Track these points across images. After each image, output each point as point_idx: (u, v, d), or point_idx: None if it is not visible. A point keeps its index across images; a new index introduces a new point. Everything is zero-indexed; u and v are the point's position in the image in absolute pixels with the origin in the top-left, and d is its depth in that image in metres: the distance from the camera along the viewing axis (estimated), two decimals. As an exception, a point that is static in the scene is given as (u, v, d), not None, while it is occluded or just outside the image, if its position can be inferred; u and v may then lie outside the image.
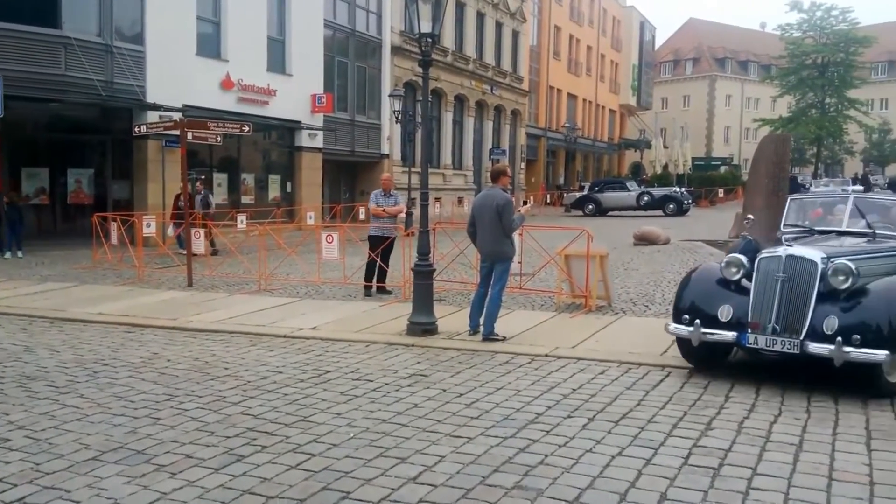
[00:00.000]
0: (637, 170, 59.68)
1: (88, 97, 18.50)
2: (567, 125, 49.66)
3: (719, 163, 65.81)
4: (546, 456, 4.63)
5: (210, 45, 21.83)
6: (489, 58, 38.93)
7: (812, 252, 6.38)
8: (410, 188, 24.63)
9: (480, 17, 37.95)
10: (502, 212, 8.09)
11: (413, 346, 7.99)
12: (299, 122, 24.84)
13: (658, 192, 36.35)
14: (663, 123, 65.99)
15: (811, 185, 28.97)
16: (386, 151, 30.19)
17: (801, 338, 6.01)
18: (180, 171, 13.50)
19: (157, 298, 11.32)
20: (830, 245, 7.02)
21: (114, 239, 15.19)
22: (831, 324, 5.92)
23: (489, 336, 8.10)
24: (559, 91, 50.56)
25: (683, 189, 38.23)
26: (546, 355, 7.43)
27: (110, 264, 14.96)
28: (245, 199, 23.91)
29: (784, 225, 8.15)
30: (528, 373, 6.79)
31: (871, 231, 7.44)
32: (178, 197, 17.26)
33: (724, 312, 6.41)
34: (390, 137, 30.12)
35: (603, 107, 59.32)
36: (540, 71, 47.47)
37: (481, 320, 8.27)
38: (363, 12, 29.16)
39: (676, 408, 5.62)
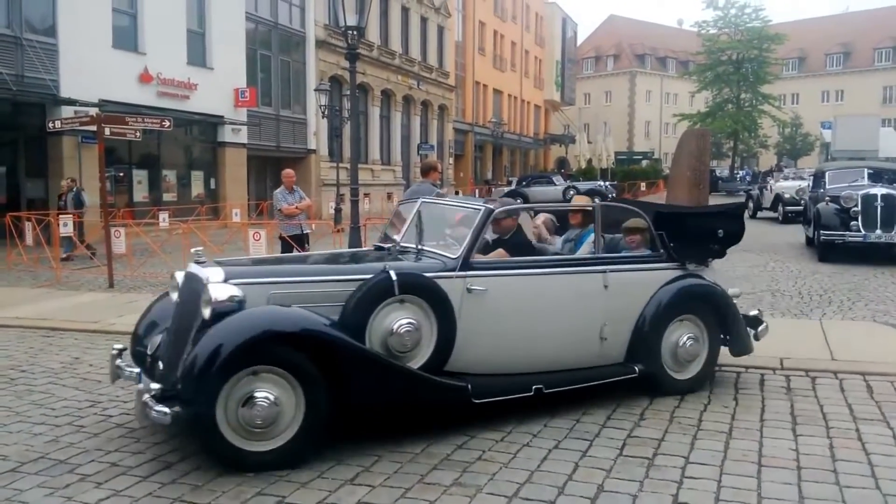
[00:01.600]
0: (562, 164, 60.61)
1: (-2, 92, 17.70)
2: (493, 120, 50.04)
3: (641, 157, 67.53)
4: (484, 451, 4.62)
5: (127, 37, 21.13)
6: (415, 53, 38.87)
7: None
8: (339, 184, 24.40)
9: (405, 11, 37.84)
10: None
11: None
12: (222, 116, 24.30)
13: (583, 186, 36.97)
14: (587, 119, 67.32)
15: (772, 179, 30.05)
16: (313, 147, 29.83)
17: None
18: (98, 168, 13.01)
19: (77, 301, 10.88)
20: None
21: (29, 239, 14.56)
22: None
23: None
24: (485, 86, 50.89)
25: (608, 183, 38.98)
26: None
27: (26, 266, 14.32)
28: (167, 197, 23.27)
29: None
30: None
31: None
32: (60, 196, 16.64)
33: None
34: (317, 132, 29.77)
35: (528, 102, 60.00)
36: (466, 66, 47.67)
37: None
38: (286, 5, 28.70)
39: (609, 400, 5.69)
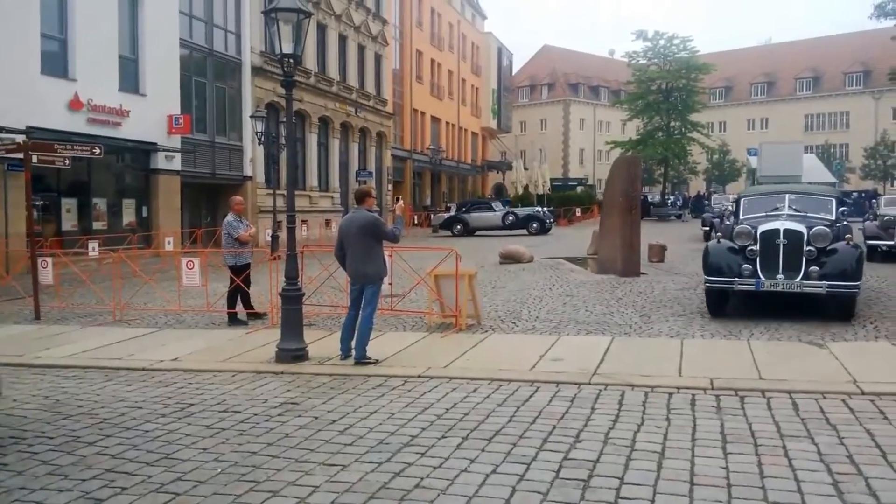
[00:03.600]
0: (500, 191, 61.23)
1: (-84, 117, 17.04)
2: (431, 147, 50.34)
3: (576, 183, 68.72)
4: (422, 479, 4.61)
5: (56, 63, 20.62)
6: (353, 80, 38.94)
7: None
8: (276, 211, 24.14)
9: (343, 39, 37.93)
10: (376, 230, 8.10)
11: (282, 373, 7.79)
12: (155, 143, 23.84)
13: (522, 211, 37.42)
14: (523, 146, 68.31)
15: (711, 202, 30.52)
16: (249, 174, 29.48)
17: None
18: (25, 197, 12.61)
19: (2, 333, 10.48)
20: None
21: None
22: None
23: (361, 359, 8.02)
24: (423, 114, 51.23)
25: (546, 209, 39.54)
26: (419, 376, 7.44)
27: (-56, 298, 13.76)
28: (97, 225, 22.62)
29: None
30: (402, 395, 6.76)
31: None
32: None
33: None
34: (253, 159, 29.45)
35: (465, 129, 60.59)
36: (403, 94, 47.94)
37: (353, 344, 8.18)
38: (221, 32, 28.46)
39: (546, 422, 5.75)
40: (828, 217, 11.04)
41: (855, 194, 44.19)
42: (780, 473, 4.59)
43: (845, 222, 11.21)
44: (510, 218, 36.11)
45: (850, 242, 10.05)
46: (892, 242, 17.61)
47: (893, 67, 38.46)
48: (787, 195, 11.71)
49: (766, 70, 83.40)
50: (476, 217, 36.81)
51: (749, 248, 10.12)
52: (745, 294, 10.34)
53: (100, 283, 13.99)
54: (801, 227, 10.03)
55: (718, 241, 10.68)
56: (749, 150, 46.08)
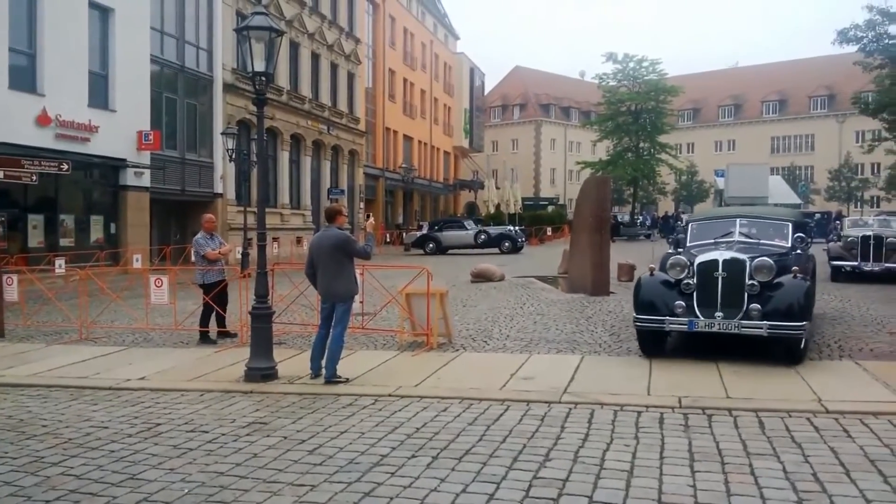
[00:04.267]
0: (472, 209, 61.45)
1: None
2: (404, 166, 50.43)
3: (547, 203, 69.29)
4: (391, 499, 4.60)
5: (24, 78, 20.41)
6: (325, 98, 38.96)
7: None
8: (247, 228, 24.01)
9: (315, 57, 37.98)
10: (348, 247, 8.09)
11: (252, 392, 7.72)
12: (124, 160, 23.62)
13: (494, 230, 37.58)
14: (494, 165, 68.72)
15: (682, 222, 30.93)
16: (219, 191, 29.29)
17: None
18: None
19: (-39, 352, 10.28)
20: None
21: None
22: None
23: (331, 378, 7.98)
24: (395, 132, 51.36)
25: (517, 228, 39.73)
26: (389, 395, 7.41)
27: None
28: (64, 242, 22.32)
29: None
30: (373, 414, 6.74)
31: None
32: None
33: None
34: (224, 176, 29.29)
35: (438, 148, 60.84)
36: (376, 112, 48.06)
37: (323, 363, 8.14)
38: (193, 48, 28.36)
39: (516, 441, 5.76)
40: (782, 244, 9.97)
41: (818, 215, 45.04)
42: (747, 491, 4.65)
43: (799, 250, 10.04)
44: (482, 237, 36.23)
45: (798, 275, 8.59)
46: (855, 263, 17.95)
47: (856, 92, 39.36)
48: (738, 220, 10.56)
49: (734, 93, 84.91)
50: (449, 235, 36.89)
51: (685, 281, 8.77)
52: (685, 334, 9.13)
53: (66, 300, 13.79)
54: (744, 258, 8.66)
55: (652, 274, 9.23)
56: (717, 171, 46.77)
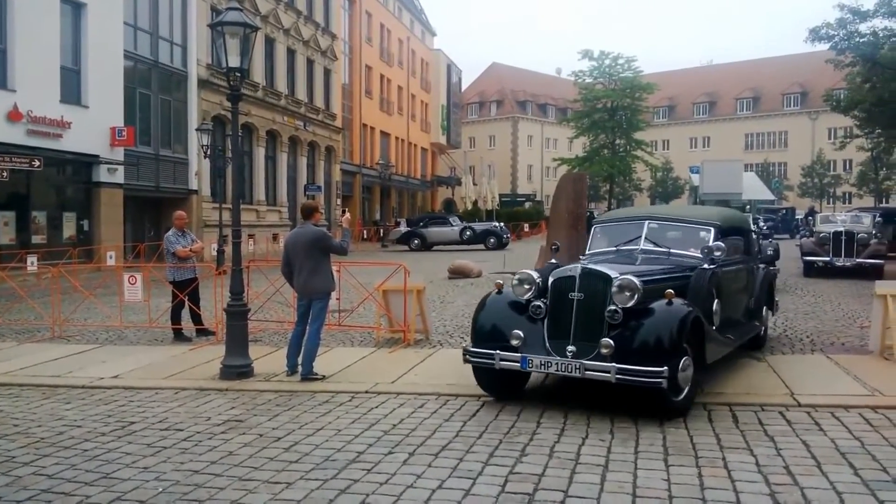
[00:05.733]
0: (449, 206, 61.45)
1: None
2: (381, 162, 50.30)
3: (524, 199, 69.43)
4: (368, 495, 4.59)
5: (-6, 73, 20.10)
6: (301, 94, 38.75)
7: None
8: (222, 225, 23.83)
9: (291, 53, 37.75)
10: (324, 243, 8.06)
11: (227, 390, 7.68)
12: (97, 156, 23.34)
13: (479, 226, 37.52)
14: (472, 161, 68.72)
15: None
16: (194, 187, 29.04)
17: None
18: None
19: (-70, 351, 10.12)
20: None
21: None
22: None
23: (308, 375, 7.95)
24: (372, 129, 51.20)
25: (502, 224, 39.68)
26: (366, 392, 7.40)
27: None
28: (36, 239, 22.03)
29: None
30: (349, 411, 6.72)
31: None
32: None
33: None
34: (199, 173, 29.03)
35: (415, 145, 60.74)
36: (353, 109, 47.88)
37: (299, 360, 8.11)
38: (167, 44, 28.06)
39: (493, 436, 5.78)
40: (694, 255, 7.90)
41: (783, 211, 45.72)
42: (720, 485, 4.69)
43: (712, 264, 7.59)
44: (468, 233, 36.14)
45: (676, 300, 6.37)
46: (827, 258, 18.19)
47: (828, 89, 39.84)
48: (646, 222, 8.45)
49: (708, 90, 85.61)
50: (434, 232, 36.85)
51: (534, 303, 6.80)
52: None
53: (38, 298, 13.61)
54: (613, 273, 6.52)
55: (499, 292, 7.23)
56: (691, 167, 47.14)
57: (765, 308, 9.29)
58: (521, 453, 5.35)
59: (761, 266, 9.68)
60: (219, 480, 4.91)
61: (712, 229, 8.18)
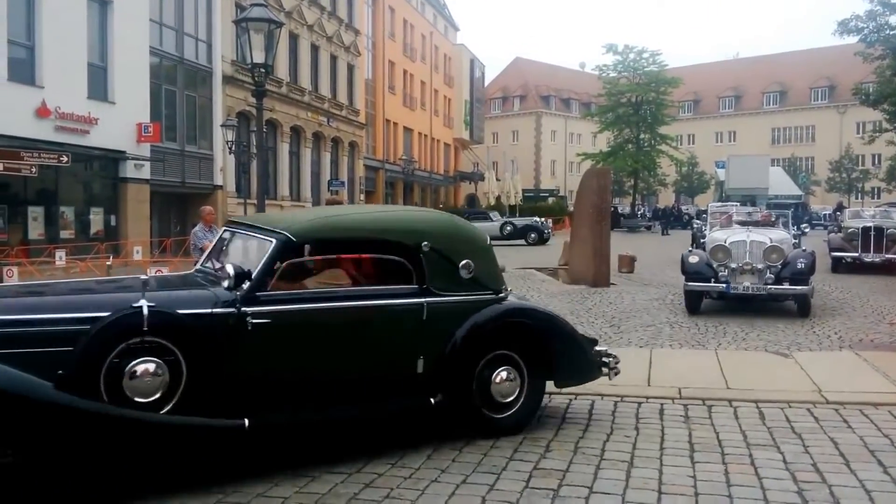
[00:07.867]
0: (472, 201, 61.41)
1: None
2: (404, 157, 50.39)
3: (547, 194, 69.18)
4: (392, 489, 4.60)
5: (23, 70, 20.38)
6: (325, 90, 38.90)
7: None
8: (246, 221, 24.00)
9: (315, 49, 37.90)
10: None
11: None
12: (124, 151, 23.62)
13: (520, 221, 37.24)
14: (495, 157, 68.58)
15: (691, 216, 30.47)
16: (219, 182, 29.29)
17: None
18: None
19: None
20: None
21: None
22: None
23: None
24: (395, 124, 51.29)
25: (542, 219, 39.31)
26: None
27: None
28: (64, 234, 22.35)
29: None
30: (372, 405, 6.71)
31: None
32: None
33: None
34: (223, 168, 29.27)
35: (438, 140, 60.76)
36: (376, 104, 47.99)
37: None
38: (192, 40, 28.31)
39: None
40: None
41: (794, 206, 45.26)
42: (747, 482, 4.65)
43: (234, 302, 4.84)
44: (508, 228, 35.85)
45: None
46: (856, 254, 17.95)
47: (857, 83, 39.31)
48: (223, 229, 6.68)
49: (734, 84, 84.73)
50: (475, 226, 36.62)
51: None
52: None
53: (66, 292, 13.78)
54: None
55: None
56: (717, 162, 46.79)
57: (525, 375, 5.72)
58: (545, 449, 5.33)
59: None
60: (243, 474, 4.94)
61: (275, 241, 5.08)
